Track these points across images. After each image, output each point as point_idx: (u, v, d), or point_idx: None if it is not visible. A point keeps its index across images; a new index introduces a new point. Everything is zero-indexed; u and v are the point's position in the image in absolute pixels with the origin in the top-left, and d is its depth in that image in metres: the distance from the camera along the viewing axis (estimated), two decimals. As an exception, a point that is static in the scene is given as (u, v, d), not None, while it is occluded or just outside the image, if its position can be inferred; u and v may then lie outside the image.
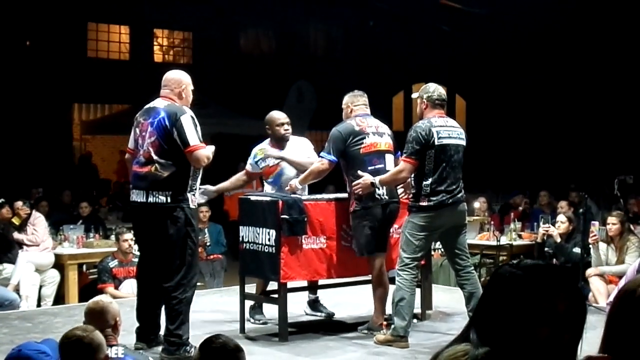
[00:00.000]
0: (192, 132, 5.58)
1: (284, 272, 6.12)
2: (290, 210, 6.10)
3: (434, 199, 5.92)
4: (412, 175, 6.06)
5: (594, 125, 17.40)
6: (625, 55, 17.11)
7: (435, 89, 6.13)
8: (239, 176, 7.17)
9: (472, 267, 6.32)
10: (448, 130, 6.02)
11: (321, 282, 6.95)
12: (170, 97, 5.76)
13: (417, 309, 6.80)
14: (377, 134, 6.35)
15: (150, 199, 5.63)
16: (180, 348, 5.59)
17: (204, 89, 16.63)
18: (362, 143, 6.26)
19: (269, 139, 6.97)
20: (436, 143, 5.91)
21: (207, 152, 5.64)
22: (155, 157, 5.63)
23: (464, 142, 6.14)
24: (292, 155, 6.77)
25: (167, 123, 5.59)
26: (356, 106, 6.48)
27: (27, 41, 17.51)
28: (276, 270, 6.12)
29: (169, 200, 5.61)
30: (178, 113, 5.61)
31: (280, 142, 6.86)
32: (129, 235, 8.39)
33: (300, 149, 6.93)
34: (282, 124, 6.85)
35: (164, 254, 5.67)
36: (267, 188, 6.92)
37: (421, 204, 5.94)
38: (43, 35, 17.29)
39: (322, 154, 6.35)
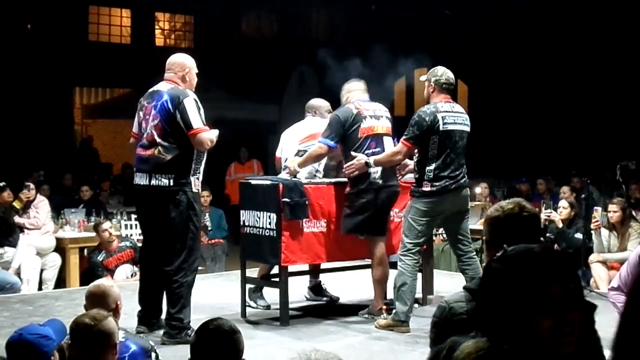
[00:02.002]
0: (195, 115, 5.57)
1: (284, 255, 6.12)
2: (291, 193, 6.10)
3: (437, 184, 5.91)
4: (416, 160, 6.05)
5: (596, 110, 17.34)
6: (629, 41, 17.04)
7: (444, 73, 6.10)
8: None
9: (474, 252, 6.32)
10: (454, 116, 6.00)
11: (322, 266, 6.94)
12: (174, 80, 5.75)
13: (419, 294, 6.80)
14: (374, 117, 6.35)
15: (153, 182, 5.63)
16: (181, 332, 5.60)
17: (205, 73, 16.49)
18: (360, 126, 6.25)
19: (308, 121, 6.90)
20: (441, 129, 5.89)
21: (210, 135, 5.63)
22: (158, 140, 5.62)
23: (468, 128, 6.13)
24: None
25: (170, 106, 5.58)
26: (352, 92, 6.50)
27: (28, 25, 17.44)
28: (277, 253, 6.13)
29: (171, 183, 5.61)
30: (181, 96, 5.60)
31: None
32: (107, 225, 8.42)
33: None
34: (330, 112, 6.85)
35: (165, 237, 5.67)
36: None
37: (424, 189, 5.94)
38: (44, 19, 17.22)
39: (320, 138, 6.34)
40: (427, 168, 5.93)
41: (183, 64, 5.84)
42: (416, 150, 6.03)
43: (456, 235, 6.22)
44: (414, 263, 5.99)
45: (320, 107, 7.00)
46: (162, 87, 5.75)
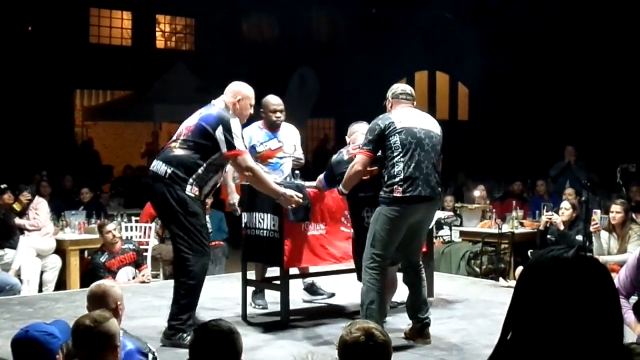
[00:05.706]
0: (239, 137, 5.68)
1: (287, 258, 6.13)
2: (294, 196, 6.08)
3: (409, 189, 5.44)
4: (384, 169, 5.61)
5: (596, 113, 17.36)
6: (629, 44, 17.07)
7: (399, 86, 5.92)
8: (233, 174, 6.92)
9: (421, 265, 5.88)
10: (413, 116, 5.67)
11: (321, 269, 6.94)
12: (226, 102, 5.84)
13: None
14: None
15: (155, 167, 5.71)
16: (177, 334, 5.58)
17: (205, 75, 16.63)
18: None
19: (260, 122, 6.95)
20: (398, 127, 5.52)
21: (251, 162, 5.76)
22: (182, 137, 5.73)
23: (437, 130, 5.72)
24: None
25: (214, 120, 5.66)
26: (352, 135, 6.19)
27: (29, 27, 17.47)
28: (279, 256, 6.13)
29: (166, 175, 5.61)
30: (228, 116, 5.69)
31: (271, 127, 6.88)
32: (111, 226, 8.42)
33: (288, 137, 6.98)
34: (275, 111, 6.86)
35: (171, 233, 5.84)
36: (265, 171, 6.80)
37: (395, 195, 5.44)
38: (45, 21, 17.25)
39: (322, 175, 6.22)
40: (395, 170, 5.46)
41: (238, 91, 5.88)
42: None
43: (411, 246, 5.76)
44: (383, 276, 5.49)
45: (265, 106, 6.91)
46: (219, 103, 5.84)
